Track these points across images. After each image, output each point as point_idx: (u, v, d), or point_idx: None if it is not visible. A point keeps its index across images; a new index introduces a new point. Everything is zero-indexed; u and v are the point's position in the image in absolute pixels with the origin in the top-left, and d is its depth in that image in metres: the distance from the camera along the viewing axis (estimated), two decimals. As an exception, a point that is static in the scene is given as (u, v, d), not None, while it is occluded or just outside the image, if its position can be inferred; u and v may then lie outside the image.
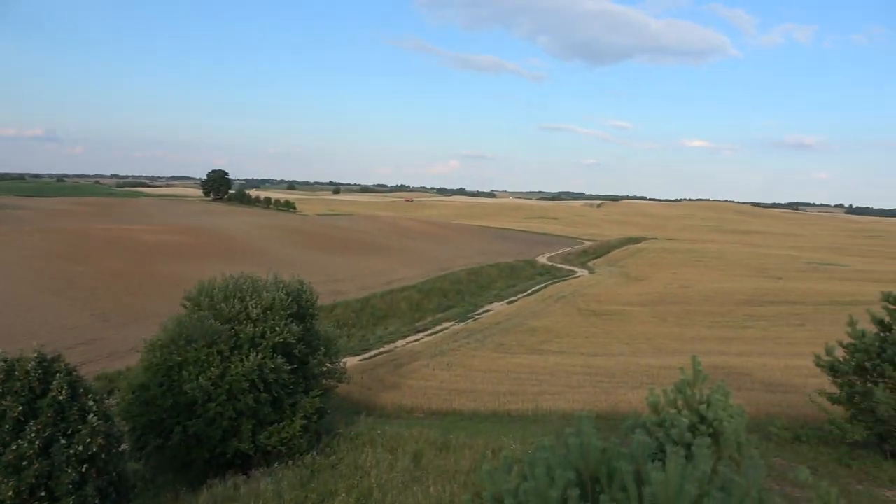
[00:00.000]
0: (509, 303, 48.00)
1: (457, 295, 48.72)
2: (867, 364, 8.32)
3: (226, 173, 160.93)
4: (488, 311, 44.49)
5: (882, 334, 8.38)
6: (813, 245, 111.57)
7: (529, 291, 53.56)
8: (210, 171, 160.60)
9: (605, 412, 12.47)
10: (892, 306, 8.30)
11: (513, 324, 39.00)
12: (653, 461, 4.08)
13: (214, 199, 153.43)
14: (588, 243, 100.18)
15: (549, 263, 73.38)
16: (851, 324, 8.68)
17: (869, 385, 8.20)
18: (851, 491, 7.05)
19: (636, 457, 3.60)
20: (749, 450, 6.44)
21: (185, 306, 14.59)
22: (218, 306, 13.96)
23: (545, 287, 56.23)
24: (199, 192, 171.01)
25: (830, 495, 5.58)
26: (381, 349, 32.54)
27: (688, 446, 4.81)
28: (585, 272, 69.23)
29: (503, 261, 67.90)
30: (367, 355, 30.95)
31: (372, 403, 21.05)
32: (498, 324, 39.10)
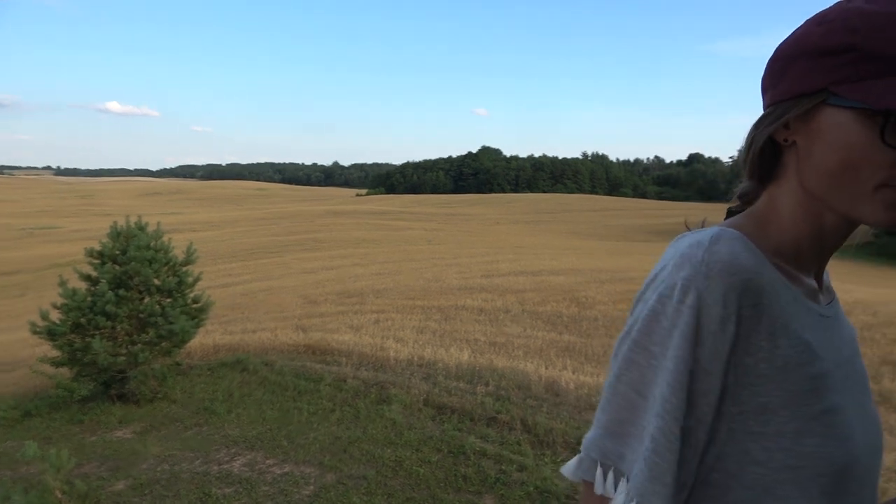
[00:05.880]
0: None
1: None
2: (83, 320, 8.53)
3: None
4: None
5: (91, 288, 8.72)
6: (27, 210, 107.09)
7: None
8: None
9: None
10: (95, 260, 8.70)
11: None
12: None
13: None
14: None
15: None
16: (62, 283, 8.66)
17: (87, 339, 8.45)
18: (85, 443, 7.22)
19: None
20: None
21: None
22: None
23: None
24: None
25: (62, 458, 5.55)
26: None
27: None
28: None
29: None
30: None
31: None
32: None
